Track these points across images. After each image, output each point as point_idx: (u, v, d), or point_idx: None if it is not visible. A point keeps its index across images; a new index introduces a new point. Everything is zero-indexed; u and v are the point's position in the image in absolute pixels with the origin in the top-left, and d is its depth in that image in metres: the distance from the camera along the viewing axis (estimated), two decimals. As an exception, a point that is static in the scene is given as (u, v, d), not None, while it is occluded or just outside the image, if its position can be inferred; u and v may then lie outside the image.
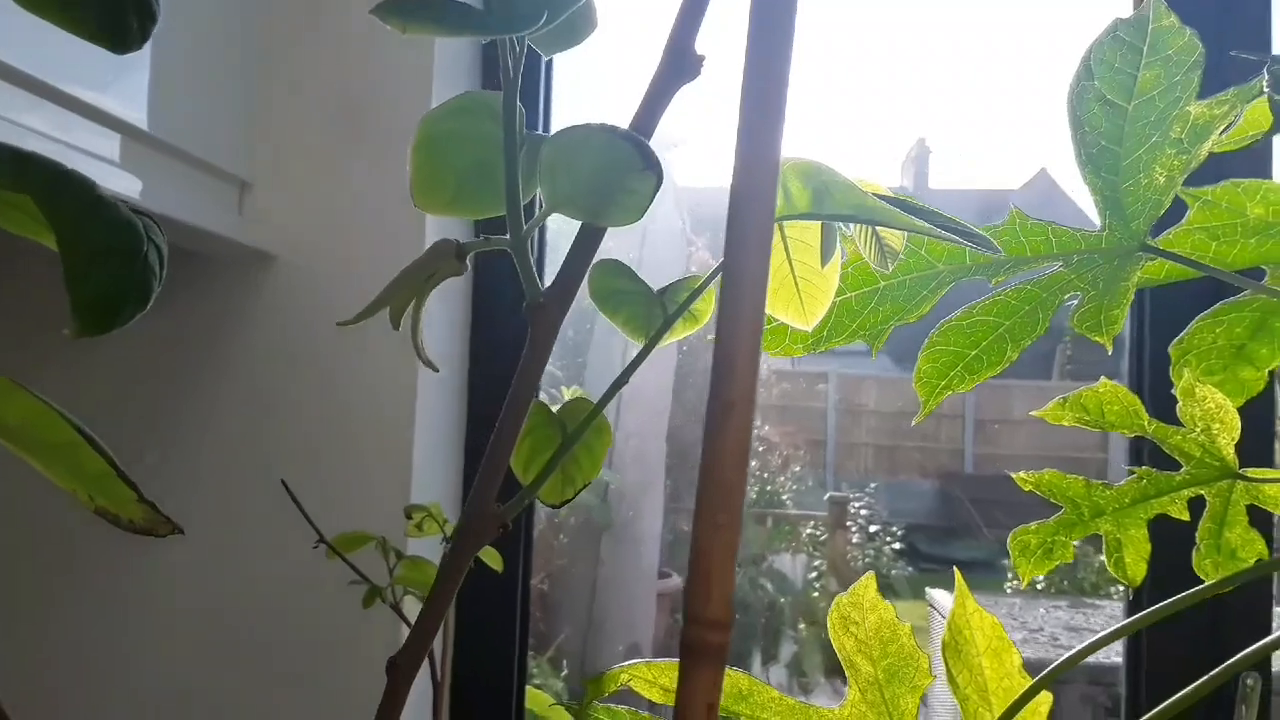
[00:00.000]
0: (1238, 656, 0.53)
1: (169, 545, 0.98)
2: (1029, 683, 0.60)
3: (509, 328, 1.11)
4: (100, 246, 0.24)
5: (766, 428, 3.93)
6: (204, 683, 0.98)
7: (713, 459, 0.23)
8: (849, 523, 3.68)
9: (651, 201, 0.28)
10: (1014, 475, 0.64)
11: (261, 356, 1.00)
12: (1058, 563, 0.64)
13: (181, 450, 1.00)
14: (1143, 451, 1.10)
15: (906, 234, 0.37)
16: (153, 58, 1.00)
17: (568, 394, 2.65)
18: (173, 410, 1.01)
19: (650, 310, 0.37)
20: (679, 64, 0.29)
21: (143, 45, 0.26)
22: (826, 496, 3.82)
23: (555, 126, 1.16)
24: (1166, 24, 0.38)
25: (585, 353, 2.69)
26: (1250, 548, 0.58)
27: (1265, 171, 1.01)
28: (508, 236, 0.30)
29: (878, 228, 0.36)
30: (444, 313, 1.06)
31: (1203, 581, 0.65)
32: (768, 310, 0.39)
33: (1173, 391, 0.62)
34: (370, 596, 0.81)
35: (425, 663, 0.84)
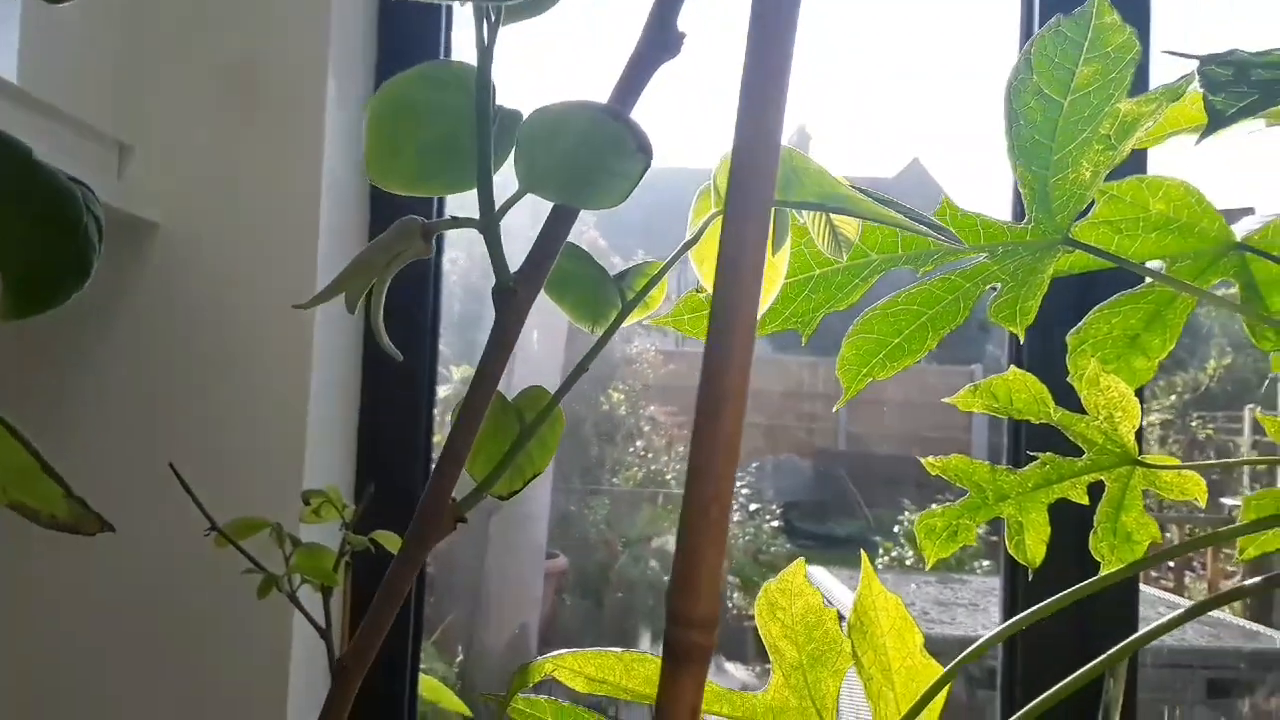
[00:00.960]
0: (1113, 650, 0.55)
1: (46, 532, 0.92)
2: (929, 662, 0.62)
3: (405, 307, 1.08)
4: (37, 217, 0.22)
5: (652, 408, 3.96)
6: (87, 674, 0.93)
7: (707, 450, 0.22)
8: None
9: (637, 184, 0.28)
10: (923, 460, 0.66)
11: (144, 332, 0.95)
12: (962, 544, 0.66)
13: (59, 431, 0.94)
14: (1020, 432, 1.15)
15: (860, 223, 0.37)
16: (24, 4, 0.93)
17: (457, 373, 2.60)
18: (50, 388, 0.94)
19: (599, 295, 0.36)
20: (660, 40, 0.28)
21: (79, -5, 0.23)
22: (710, 476, 3.87)
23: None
24: (1108, 21, 0.39)
25: (476, 330, 2.64)
26: (1144, 530, 0.61)
27: (1142, 168, 1.06)
28: (477, 217, 0.28)
29: (833, 217, 0.36)
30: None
31: (1095, 561, 0.69)
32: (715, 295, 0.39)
33: (1062, 378, 0.65)
34: (266, 586, 0.77)
35: (321, 650, 0.81)
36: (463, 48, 1.15)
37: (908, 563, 3.87)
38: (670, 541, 3.42)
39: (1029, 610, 0.59)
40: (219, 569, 0.78)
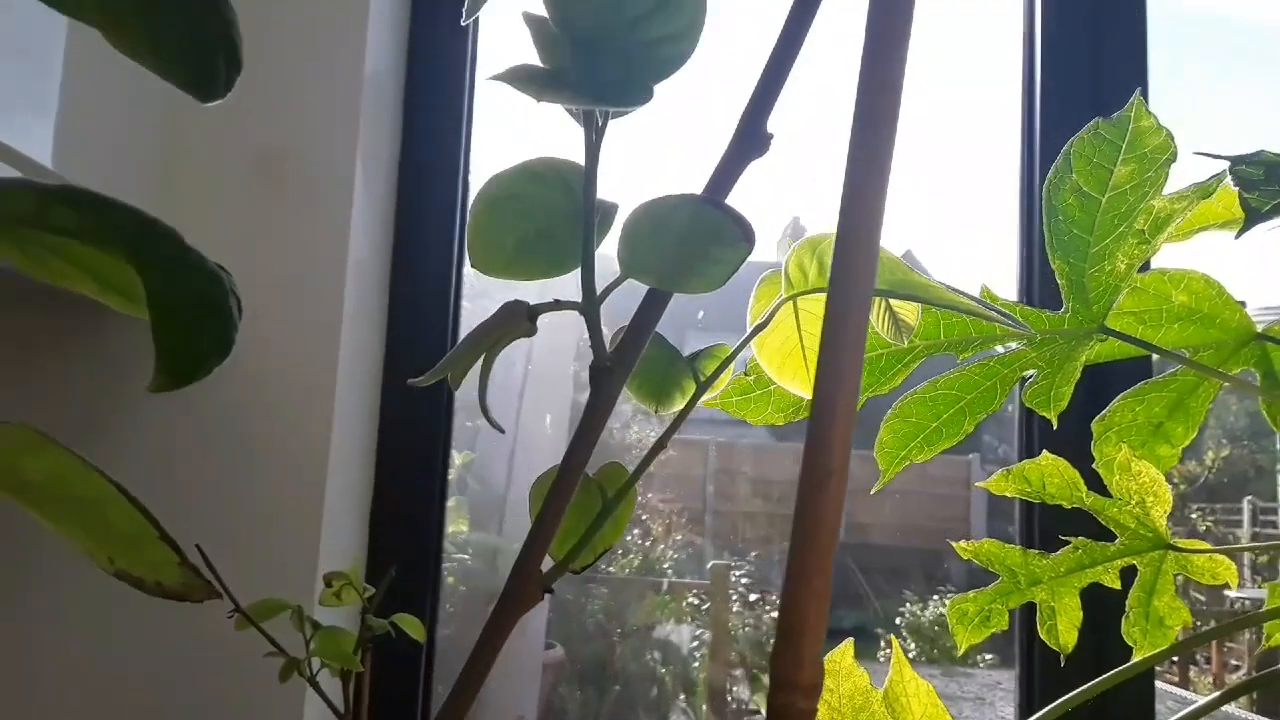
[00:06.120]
0: None
1: (63, 613, 0.92)
2: (962, 748, 0.62)
3: (418, 392, 1.09)
4: (190, 298, 0.23)
5: (651, 495, 3.95)
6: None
7: (812, 524, 0.24)
8: (730, 591, 3.72)
9: (737, 270, 0.29)
10: (955, 545, 0.67)
11: (168, 414, 0.96)
12: (995, 629, 0.67)
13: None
14: (1033, 521, 1.15)
15: (920, 309, 0.39)
16: (62, 89, 0.96)
17: (459, 460, 2.60)
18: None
19: (667, 376, 0.37)
20: (750, 141, 0.30)
21: (225, 95, 0.25)
22: (709, 565, 3.84)
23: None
24: (1146, 124, 0.41)
25: (474, 416, 2.64)
26: (1176, 615, 0.62)
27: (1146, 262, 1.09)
28: (580, 300, 0.30)
29: (894, 302, 0.38)
30: (356, 375, 1.04)
31: (1110, 652, 0.69)
32: (774, 377, 0.40)
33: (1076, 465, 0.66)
34: (288, 669, 0.77)
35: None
36: (482, 138, 1.19)
37: (910, 655, 3.81)
38: (671, 631, 3.37)
39: (1055, 703, 0.59)
40: (230, 651, 0.77)
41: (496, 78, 0.27)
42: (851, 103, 0.25)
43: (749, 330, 0.37)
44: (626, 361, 0.31)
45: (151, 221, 0.24)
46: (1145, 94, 1.09)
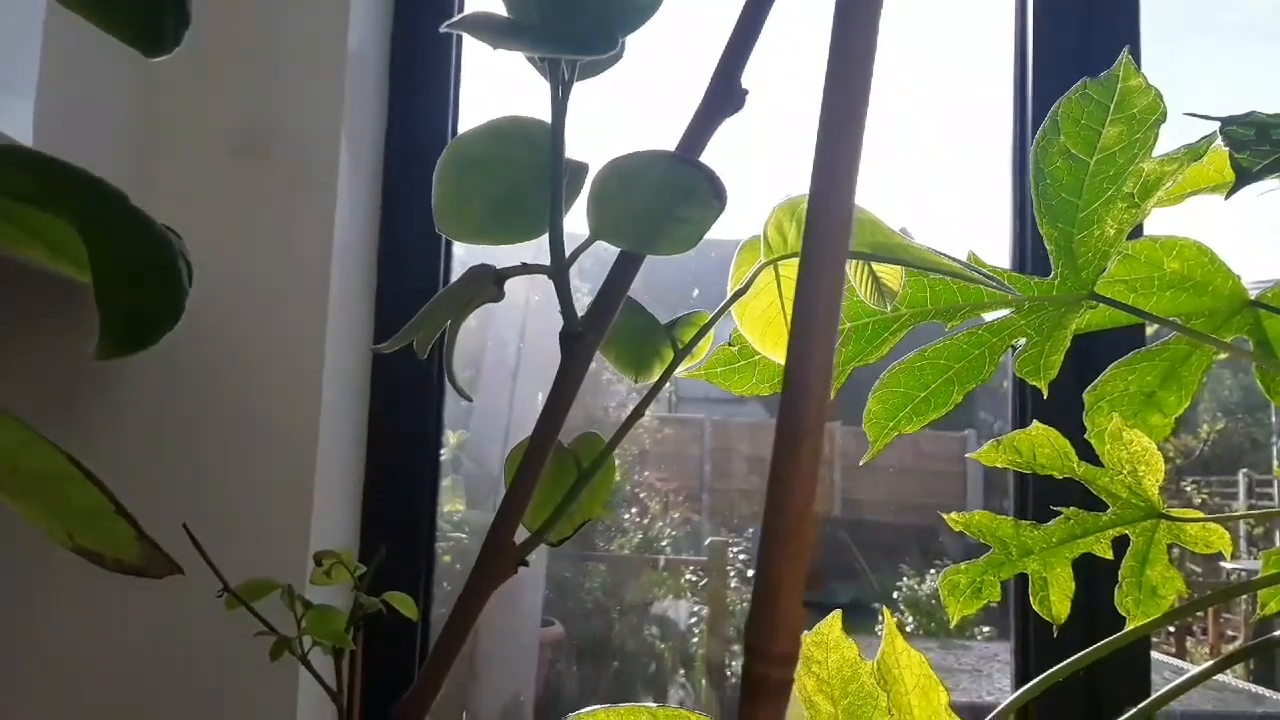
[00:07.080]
0: (1129, 714, 0.55)
1: (54, 594, 0.91)
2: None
3: (408, 370, 1.08)
4: (136, 261, 0.23)
5: (647, 473, 3.95)
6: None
7: (786, 488, 0.23)
8: (727, 567, 3.72)
9: (708, 230, 0.28)
10: (946, 516, 0.66)
11: (156, 395, 0.95)
12: (987, 601, 0.66)
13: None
14: (1028, 496, 1.15)
15: (904, 274, 0.38)
16: (41, 70, 0.95)
17: (453, 439, 2.59)
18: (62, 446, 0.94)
19: (645, 345, 0.36)
20: (724, 96, 0.29)
21: (174, 50, 0.24)
22: (707, 542, 3.85)
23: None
24: (1134, 84, 0.40)
25: (471, 394, 2.63)
26: (1169, 585, 0.61)
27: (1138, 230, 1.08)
28: (548, 264, 0.29)
29: (876, 267, 0.37)
30: (345, 354, 1.03)
31: (1104, 624, 0.69)
32: (757, 347, 0.40)
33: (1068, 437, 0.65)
34: (279, 648, 0.76)
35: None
36: (470, 116, 1.18)
37: (907, 629, 3.82)
38: (669, 607, 3.38)
39: (1050, 670, 0.58)
40: (223, 631, 0.77)
41: (452, 25, 0.26)
42: (826, 54, 0.24)
43: (727, 297, 0.36)
44: (598, 326, 0.30)
45: (97, 182, 0.23)
46: (1137, 56, 1.08)
